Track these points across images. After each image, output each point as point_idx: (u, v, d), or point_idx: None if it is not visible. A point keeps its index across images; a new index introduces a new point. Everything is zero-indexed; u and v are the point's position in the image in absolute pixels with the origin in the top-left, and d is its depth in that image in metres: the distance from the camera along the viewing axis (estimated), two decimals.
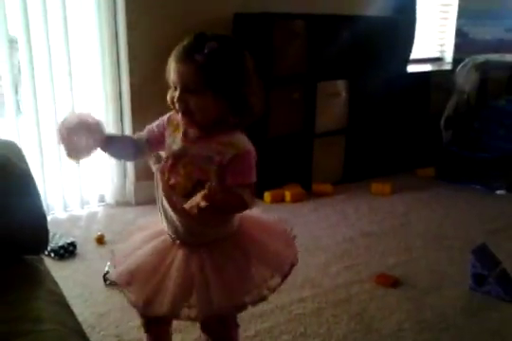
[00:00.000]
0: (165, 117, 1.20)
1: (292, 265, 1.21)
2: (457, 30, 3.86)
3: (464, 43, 3.86)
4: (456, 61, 3.61)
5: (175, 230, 1.17)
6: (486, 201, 2.86)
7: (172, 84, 1.09)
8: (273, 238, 1.25)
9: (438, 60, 4.07)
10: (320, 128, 2.93)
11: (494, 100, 3.48)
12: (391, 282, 1.92)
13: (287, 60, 2.75)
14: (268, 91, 2.81)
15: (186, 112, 1.08)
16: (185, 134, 1.14)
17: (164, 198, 1.15)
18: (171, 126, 1.17)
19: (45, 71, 2.37)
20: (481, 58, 3.26)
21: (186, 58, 1.06)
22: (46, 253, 2.04)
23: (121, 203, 2.66)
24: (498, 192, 2.99)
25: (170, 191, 1.13)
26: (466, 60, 3.28)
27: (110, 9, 2.45)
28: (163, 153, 1.19)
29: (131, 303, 1.20)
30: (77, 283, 1.89)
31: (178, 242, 1.18)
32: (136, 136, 1.22)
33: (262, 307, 1.71)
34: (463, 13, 3.83)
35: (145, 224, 1.35)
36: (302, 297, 1.81)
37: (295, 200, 2.72)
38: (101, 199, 2.66)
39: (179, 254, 1.16)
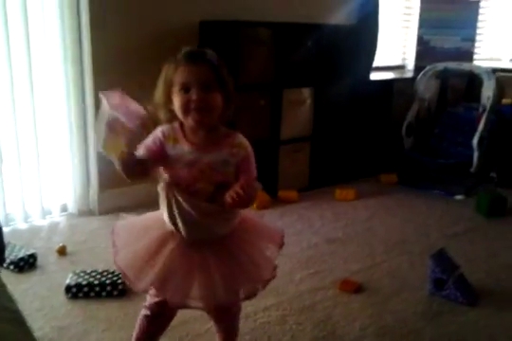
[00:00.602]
0: (158, 134, 1.23)
1: (283, 235, 1.40)
2: (418, 39, 3.98)
3: (425, 51, 3.98)
4: (418, 68, 3.71)
5: (198, 232, 1.25)
6: (446, 206, 2.94)
7: (179, 88, 1.18)
8: (260, 219, 1.49)
9: (400, 67, 4.17)
10: (286, 135, 2.97)
11: (453, 107, 3.60)
12: (354, 288, 1.95)
13: (253, 67, 2.77)
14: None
15: (204, 110, 1.17)
16: (192, 142, 1.21)
17: (187, 205, 1.21)
18: (169, 140, 1.22)
19: (6, 78, 2.30)
20: (440, 66, 3.36)
21: (199, 59, 1.19)
22: (5, 265, 1.98)
23: (84, 212, 2.61)
24: (457, 197, 3.08)
25: (191, 198, 1.21)
26: (427, 68, 3.38)
27: (73, 18, 2.41)
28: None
29: (167, 298, 1.27)
30: (37, 296, 1.84)
31: (197, 243, 1.25)
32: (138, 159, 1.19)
33: None
34: (423, 23, 3.96)
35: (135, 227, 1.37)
36: (267, 306, 1.82)
37: (261, 207, 2.73)
38: (64, 209, 2.61)
39: (207, 252, 1.25)
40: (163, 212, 1.28)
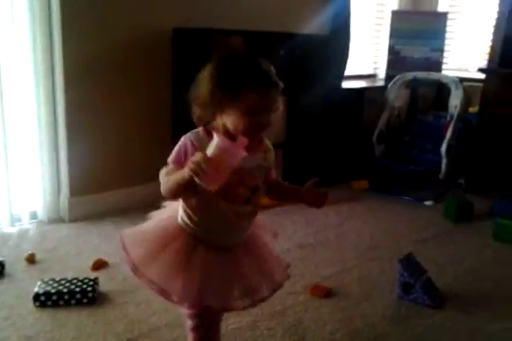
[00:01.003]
0: (188, 148, 1.17)
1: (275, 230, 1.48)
2: (389, 49, 4.07)
3: (395, 60, 4.07)
4: (389, 77, 3.80)
5: (231, 236, 1.28)
6: (415, 211, 3.01)
7: (248, 110, 1.12)
8: None
9: (372, 76, 4.26)
10: None
11: (423, 116, 3.70)
12: (324, 293, 1.97)
13: None
14: None
15: (264, 131, 1.18)
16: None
17: (226, 210, 1.21)
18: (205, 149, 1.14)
19: None
20: (410, 75, 3.44)
21: (275, 84, 1.16)
22: None
23: (54, 220, 2.57)
24: (426, 203, 3.15)
25: (231, 203, 1.21)
26: (397, 77, 3.46)
27: (45, 24, 2.39)
28: None
29: (210, 304, 1.25)
30: (4, 305, 1.81)
31: (225, 247, 1.27)
32: None
33: None
34: (394, 33, 4.06)
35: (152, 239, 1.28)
36: (238, 311, 1.81)
37: None
38: (33, 216, 2.57)
39: (238, 253, 1.28)
40: (186, 220, 1.24)
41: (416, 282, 1.95)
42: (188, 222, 1.25)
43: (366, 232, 2.66)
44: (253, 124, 1.14)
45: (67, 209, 2.56)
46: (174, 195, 1.19)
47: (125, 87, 2.65)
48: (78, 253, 2.23)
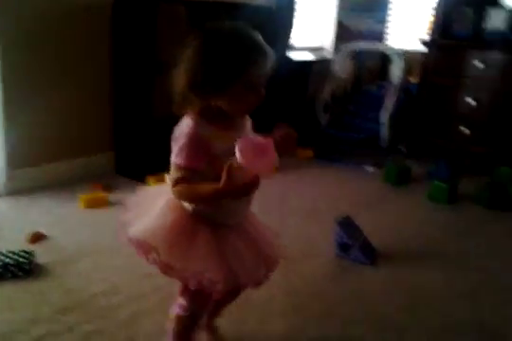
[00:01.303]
0: (201, 142, 1.08)
1: None
2: (336, 21, 4.10)
3: (343, 32, 4.11)
4: (336, 49, 3.83)
5: (246, 208, 1.28)
6: (357, 177, 3.10)
7: (251, 85, 1.05)
8: None
9: (320, 49, 4.28)
10: None
11: (367, 86, 3.76)
12: None
13: (171, 45, 2.72)
14: (153, 76, 2.79)
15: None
16: (227, 127, 1.12)
17: None
18: (211, 137, 1.09)
19: None
20: (354, 45, 3.48)
21: (269, 52, 1.07)
22: None
23: None
24: (368, 169, 3.24)
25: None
26: (342, 48, 3.49)
27: None
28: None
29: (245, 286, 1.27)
30: None
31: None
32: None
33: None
34: (342, 5, 4.08)
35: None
36: None
37: None
38: None
39: (246, 225, 1.26)
40: (201, 206, 1.17)
41: (354, 243, 2.03)
42: (202, 207, 1.18)
43: (308, 198, 2.72)
44: (254, 99, 1.07)
45: (4, 183, 2.48)
46: (205, 202, 1.14)
47: (64, 59, 2.55)
48: (14, 227, 2.17)
